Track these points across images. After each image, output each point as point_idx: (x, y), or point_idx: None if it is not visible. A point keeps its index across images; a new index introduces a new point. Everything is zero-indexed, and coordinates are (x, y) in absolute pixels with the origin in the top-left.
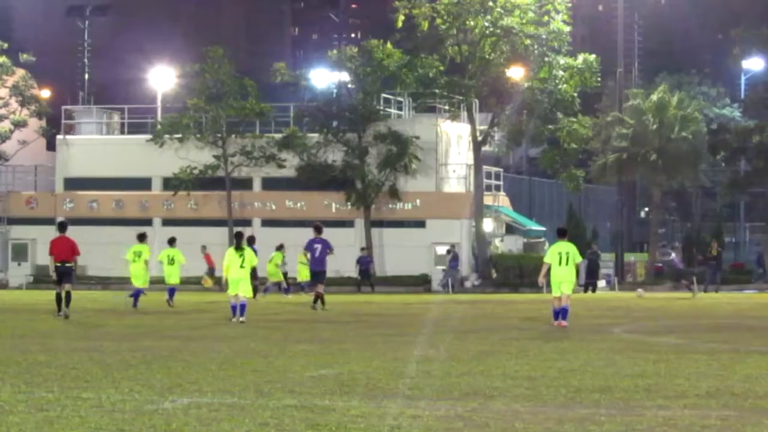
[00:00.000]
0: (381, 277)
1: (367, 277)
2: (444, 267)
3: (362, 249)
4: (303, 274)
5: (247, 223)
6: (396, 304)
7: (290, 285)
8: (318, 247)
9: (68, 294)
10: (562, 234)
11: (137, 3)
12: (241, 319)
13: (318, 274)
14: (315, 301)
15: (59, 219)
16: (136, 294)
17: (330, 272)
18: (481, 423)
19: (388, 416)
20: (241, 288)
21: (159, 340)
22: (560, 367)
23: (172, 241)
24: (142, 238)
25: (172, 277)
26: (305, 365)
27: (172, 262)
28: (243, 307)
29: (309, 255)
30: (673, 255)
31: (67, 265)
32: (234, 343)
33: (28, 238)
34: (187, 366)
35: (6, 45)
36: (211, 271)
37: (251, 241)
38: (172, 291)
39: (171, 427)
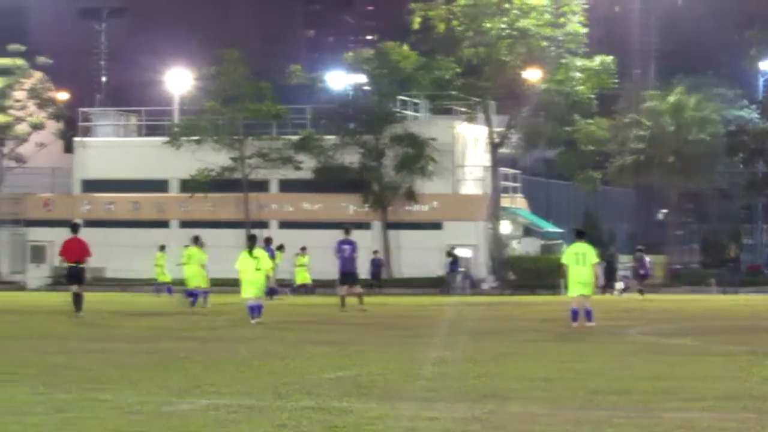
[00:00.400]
0: (397, 279)
1: (376, 279)
2: (452, 271)
3: (375, 252)
4: (301, 277)
5: (264, 225)
6: (412, 306)
7: (293, 286)
8: (347, 248)
9: (80, 295)
10: (580, 235)
11: (152, 5)
12: (258, 320)
13: (348, 275)
14: (360, 302)
15: (74, 221)
16: (192, 294)
17: None
18: (499, 425)
19: (405, 418)
20: (256, 290)
21: (176, 341)
22: (578, 369)
23: (195, 243)
24: (196, 240)
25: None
26: (322, 367)
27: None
28: (259, 308)
29: (338, 256)
30: (648, 260)
31: (80, 266)
32: (251, 345)
33: (45, 239)
34: (204, 368)
35: (23, 48)
36: (158, 270)
37: (268, 242)
38: (203, 293)
39: (189, 428)
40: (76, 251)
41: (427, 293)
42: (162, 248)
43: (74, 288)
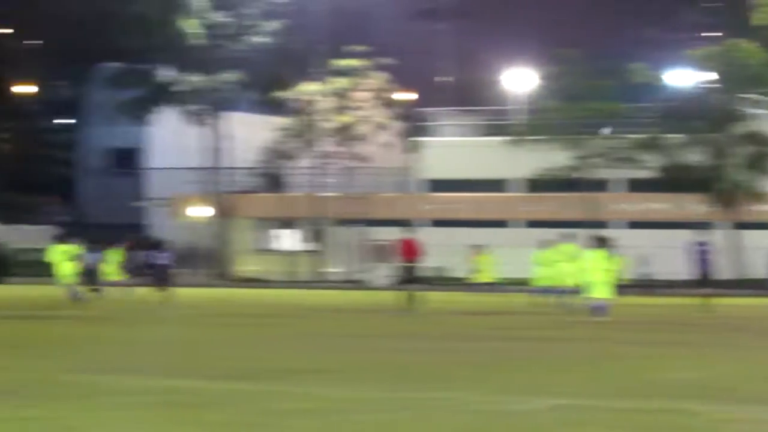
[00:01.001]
0: (741, 280)
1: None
2: None
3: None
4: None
5: (606, 224)
6: (757, 307)
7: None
8: (701, 249)
9: (415, 294)
10: None
11: (493, 5)
12: (601, 319)
13: (703, 276)
14: (706, 305)
15: (417, 220)
16: (554, 293)
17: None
18: None
19: (763, 422)
20: (603, 290)
21: (515, 341)
22: None
23: (569, 241)
24: (563, 238)
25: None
26: (665, 368)
27: (563, 261)
28: (603, 308)
29: (692, 257)
30: None
31: (413, 265)
32: (591, 345)
33: (387, 239)
34: (545, 367)
35: (363, 49)
36: (474, 271)
37: (606, 242)
38: (565, 292)
39: (533, 429)
40: (411, 251)
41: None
42: (480, 248)
43: (409, 287)
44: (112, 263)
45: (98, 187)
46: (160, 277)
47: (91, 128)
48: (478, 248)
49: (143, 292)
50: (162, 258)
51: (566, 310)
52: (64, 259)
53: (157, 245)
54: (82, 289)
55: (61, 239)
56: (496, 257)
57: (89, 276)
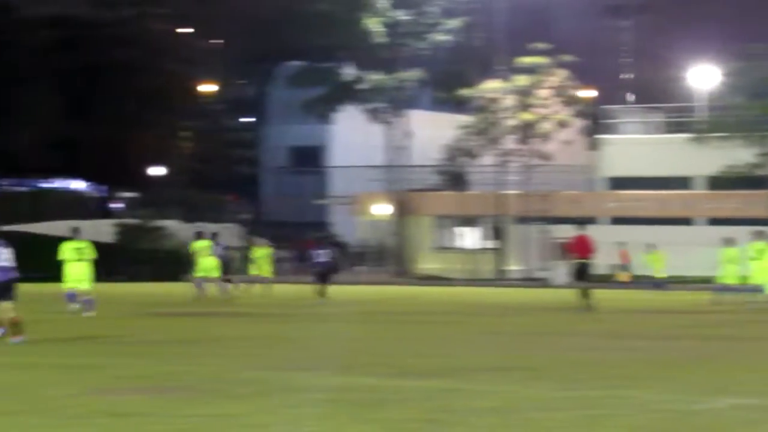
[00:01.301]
0: None
1: None
2: None
3: None
4: (729, 277)
5: None
6: None
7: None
8: None
9: (591, 291)
10: None
11: (677, 1)
12: None
13: None
14: None
15: (598, 218)
16: (737, 291)
17: None
18: None
19: None
20: None
21: (699, 340)
22: None
23: (760, 239)
24: (755, 236)
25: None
26: None
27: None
28: None
29: None
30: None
31: (587, 262)
32: None
33: (570, 237)
34: (726, 366)
35: (547, 46)
36: (625, 267)
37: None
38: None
39: (714, 428)
40: (584, 247)
41: None
42: (652, 246)
43: (584, 284)
44: (259, 259)
45: (280, 185)
46: (321, 274)
47: (273, 126)
48: (649, 247)
49: (308, 289)
50: (323, 255)
51: (749, 308)
52: (204, 254)
53: (320, 242)
54: (234, 285)
55: (200, 236)
56: (675, 255)
57: (226, 270)
